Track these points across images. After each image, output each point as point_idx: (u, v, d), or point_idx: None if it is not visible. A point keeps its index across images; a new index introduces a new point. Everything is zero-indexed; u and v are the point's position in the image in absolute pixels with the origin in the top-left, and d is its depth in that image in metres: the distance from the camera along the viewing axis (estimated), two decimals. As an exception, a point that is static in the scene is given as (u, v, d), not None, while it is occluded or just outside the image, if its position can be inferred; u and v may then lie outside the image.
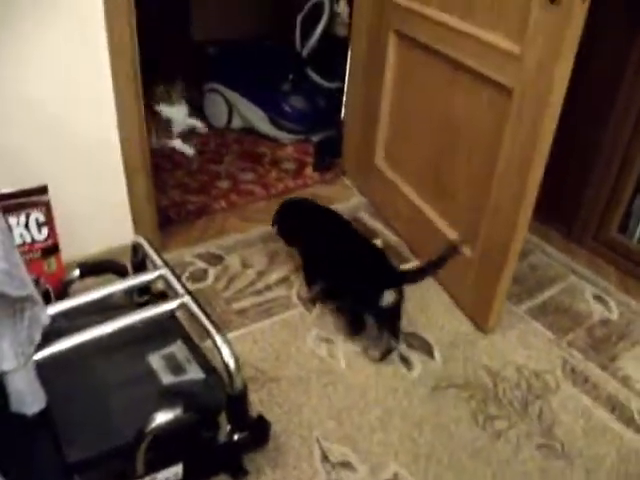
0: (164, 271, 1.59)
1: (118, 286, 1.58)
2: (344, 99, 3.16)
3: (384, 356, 2.02)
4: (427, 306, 2.30)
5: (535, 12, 1.69)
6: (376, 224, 2.78)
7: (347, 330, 2.14)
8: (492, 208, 2.02)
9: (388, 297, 1.89)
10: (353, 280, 1.99)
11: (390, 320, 1.99)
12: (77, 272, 1.76)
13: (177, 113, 3.45)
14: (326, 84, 3.57)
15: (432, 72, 2.28)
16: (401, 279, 1.97)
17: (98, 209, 2.27)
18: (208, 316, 1.43)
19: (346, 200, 2.98)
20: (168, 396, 1.39)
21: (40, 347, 1.24)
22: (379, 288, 1.89)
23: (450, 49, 2.12)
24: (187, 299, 1.47)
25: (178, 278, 1.56)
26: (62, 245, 2.05)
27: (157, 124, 3.36)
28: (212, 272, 2.40)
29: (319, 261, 2.21)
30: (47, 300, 1.75)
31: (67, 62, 1.97)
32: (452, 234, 2.30)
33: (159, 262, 1.62)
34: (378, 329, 2.02)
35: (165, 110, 3.40)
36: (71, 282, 1.77)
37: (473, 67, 2.00)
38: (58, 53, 1.95)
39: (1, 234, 1.04)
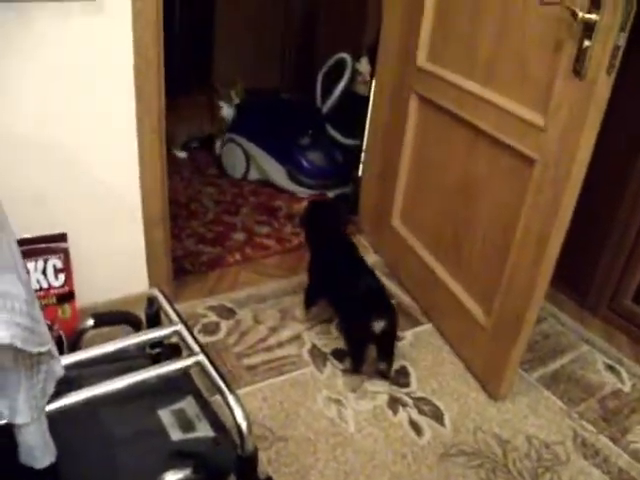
0: (179, 327, 1.58)
1: (132, 340, 1.57)
2: (362, 157, 3.19)
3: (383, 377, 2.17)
4: (439, 370, 2.28)
5: (559, 83, 1.71)
6: (390, 284, 2.77)
7: (349, 364, 2.23)
8: (508, 277, 2.02)
9: (378, 325, 2.05)
10: (347, 305, 2.20)
11: (383, 346, 2.15)
12: (91, 322, 1.75)
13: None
14: (345, 141, 3.62)
15: (452, 136, 2.31)
16: (390, 310, 2.12)
17: (114, 257, 2.27)
18: (222, 376, 1.42)
19: (360, 258, 2.96)
20: (178, 455, 1.38)
21: (51, 399, 1.23)
22: (369, 317, 2.05)
23: (471, 115, 2.15)
24: (202, 358, 1.47)
25: (193, 335, 1.56)
26: (76, 291, 2.06)
27: None
28: (224, 326, 2.40)
29: (322, 278, 2.40)
30: (59, 346, 1.76)
31: (94, 111, 2.00)
32: (466, 299, 2.30)
33: (174, 317, 1.62)
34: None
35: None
36: (85, 331, 1.77)
37: (494, 135, 2.02)
38: (85, 103, 1.98)
39: (24, 286, 1.05)
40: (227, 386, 1.40)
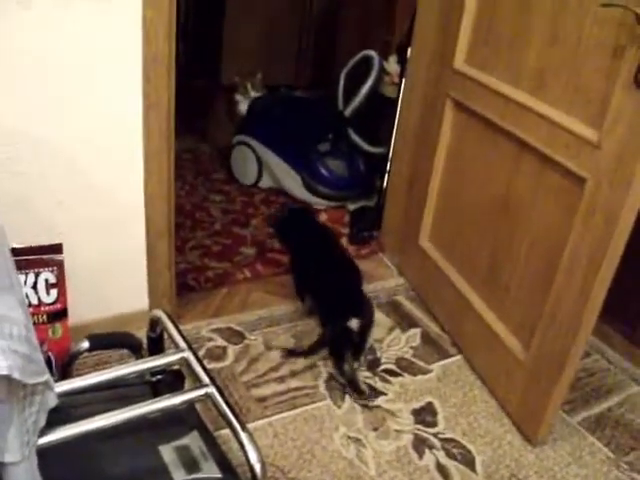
0: (186, 354, 1.56)
1: (134, 367, 1.55)
2: (387, 166, 3.18)
3: (351, 382, 2.30)
4: (469, 409, 2.26)
5: (618, 96, 1.69)
6: (415, 310, 2.76)
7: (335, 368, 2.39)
8: (551, 307, 2.00)
9: (354, 322, 2.28)
10: (326, 303, 2.47)
11: (357, 342, 2.36)
12: (86, 344, 1.73)
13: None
14: (368, 148, 3.61)
15: (492, 149, 2.29)
16: (364, 309, 2.39)
17: (112, 271, 2.27)
18: (234, 411, 1.40)
19: (383, 280, 2.98)
20: (181, 500, 1.36)
21: (43, 432, 1.21)
22: (345, 315, 2.29)
23: (515, 127, 2.13)
24: (212, 389, 1.44)
25: (202, 363, 1.54)
26: (69, 306, 2.05)
27: None
28: (231, 351, 2.39)
29: (304, 275, 2.64)
30: (49, 370, 1.73)
31: (95, 108, 2.01)
32: (502, 330, 2.27)
33: (181, 343, 1.60)
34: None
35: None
36: (78, 354, 1.75)
37: (541, 150, 2.00)
38: (85, 98, 1.98)
39: (22, 308, 1.03)
40: (240, 423, 1.38)
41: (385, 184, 3.22)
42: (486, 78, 2.28)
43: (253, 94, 3.86)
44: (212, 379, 1.50)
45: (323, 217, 3.46)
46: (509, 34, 2.16)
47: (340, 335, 2.33)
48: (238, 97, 3.86)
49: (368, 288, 2.79)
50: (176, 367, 1.77)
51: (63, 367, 1.75)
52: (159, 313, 1.75)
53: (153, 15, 1.92)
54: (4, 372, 0.89)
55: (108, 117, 2.03)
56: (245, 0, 4.77)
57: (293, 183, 3.60)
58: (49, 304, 1.99)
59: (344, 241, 3.22)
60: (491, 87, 2.24)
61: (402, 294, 2.88)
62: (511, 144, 2.17)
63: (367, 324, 2.38)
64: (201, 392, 1.46)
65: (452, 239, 2.62)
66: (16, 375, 0.91)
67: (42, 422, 1.22)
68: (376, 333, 2.57)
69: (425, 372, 2.40)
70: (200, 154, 4.16)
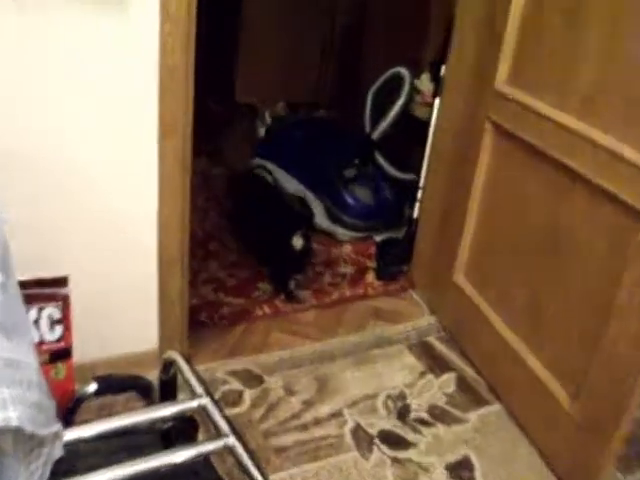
0: (204, 400, 1.54)
1: (146, 415, 1.52)
2: (419, 195, 3.17)
3: (290, 296, 2.96)
4: (509, 460, 2.24)
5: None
6: (449, 352, 2.74)
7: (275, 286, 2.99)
8: (604, 354, 1.97)
9: (298, 241, 2.90)
10: (271, 227, 3.07)
11: (299, 262, 3.03)
12: (93, 387, 1.71)
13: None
14: (398, 174, 3.60)
15: (537, 178, 2.27)
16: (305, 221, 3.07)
17: (121, 305, 2.27)
18: (259, 465, 1.37)
19: (413, 319, 2.96)
20: None
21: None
22: (290, 230, 2.91)
23: (563, 154, 2.11)
24: (232, 441, 1.42)
25: (222, 411, 1.52)
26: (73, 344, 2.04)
27: None
28: (248, 396, 2.38)
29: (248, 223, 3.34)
30: (54, 417, 1.72)
31: (106, 127, 2.02)
32: (546, 377, 2.24)
33: (198, 388, 1.57)
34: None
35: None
36: (84, 399, 1.74)
37: (592, 180, 1.98)
38: (94, 116, 1.99)
39: (33, 349, 1.02)
40: (264, 478, 1.36)
41: (416, 214, 3.20)
42: (531, 100, 2.26)
43: (268, 122, 3.87)
44: (233, 429, 1.48)
45: (347, 249, 3.47)
46: (557, 49, 2.15)
47: (284, 254, 2.95)
48: (258, 124, 3.87)
49: (397, 328, 2.83)
50: (189, 412, 1.76)
51: (67, 412, 1.73)
52: (174, 355, 1.73)
53: (171, 29, 1.92)
54: (14, 424, 0.88)
55: (120, 139, 2.04)
56: (264, 12, 4.79)
57: (315, 212, 3.56)
58: (52, 342, 1.96)
59: (370, 276, 3.22)
60: (537, 110, 2.22)
61: (434, 334, 2.85)
62: (558, 173, 2.14)
63: (307, 244, 2.96)
64: (220, 443, 1.44)
65: (490, 275, 2.60)
66: (27, 427, 0.90)
67: (47, 475, 1.20)
68: (406, 378, 2.56)
69: (461, 422, 2.38)
70: (212, 177, 4.15)
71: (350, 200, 3.53)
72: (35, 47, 1.82)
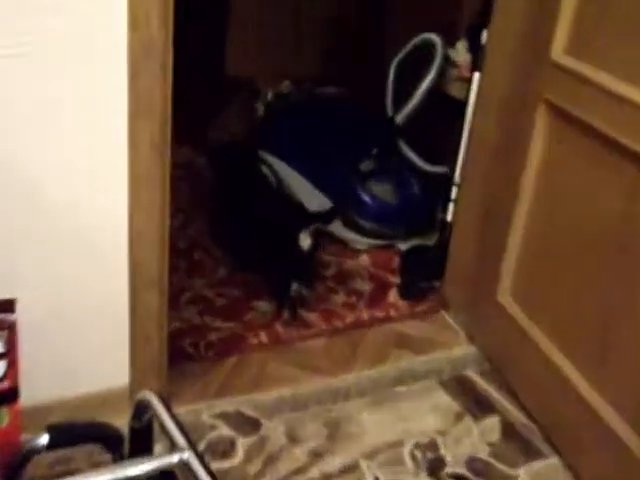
0: (187, 454, 1.52)
1: (114, 474, 1.50)
2: (453, 192, 3.16)
3: (293, 308, 2.96)
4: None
5: None
6: (492, 390, 2.72)
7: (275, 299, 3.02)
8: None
9: (305, 240, 2.90)
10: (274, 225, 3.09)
11: (308, 265, 3.05)
12: (45, 439, 1.68)
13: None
14: (427, 167, 3.60)
15: (604, 169, 2.25)
16: (313, 218, 3.10)
17: (82, 335, 2.25)
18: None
19: (446, 347, 2.95)
20: None
21: None
22: (296, 227, 2.94)
23: (636, 140, 2.08)
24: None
25: (208, 467, 1.50)
26: (20, 383, 2.01)
27: None
28: (242, 445, 2.36)
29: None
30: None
31: (60, 107, 1.99)
32: (615, 421, 2.21)
33: (180, 439, 1.55)
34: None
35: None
36: (34, 453, 1.71)
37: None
38: (54, 107, 1.97)
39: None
40: None
41: (450, 216, 3.19)
42: (598, 74, 2.23)
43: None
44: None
45: (365, 260, 3.47)
46: (631, 13, 2.11)
47: (290, 255, 2.93)
48: (258, 105, 3.86)
49: (426, 359, 2.83)
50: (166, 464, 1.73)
51: (11, 470, 1.71)
52: (148, 395, 1.71)
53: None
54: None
55: (80, 128, 2.02)
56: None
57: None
58: None
59: (393, 294, 3.21)
60: (606, 87, 2.19)
61: (473, 367, 2.84)
62: (630, 163, 2.12)
63: (315, 244, 2.97)
64: (208, 510, 1.42)
65: (543, 293, 2.57)
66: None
67: None
68: (438, 422, 2.55)
69: (508, 479, 2.35)
70: (198, 171, 4.13)
71: (368, 199, 3.52)
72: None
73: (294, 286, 2.94)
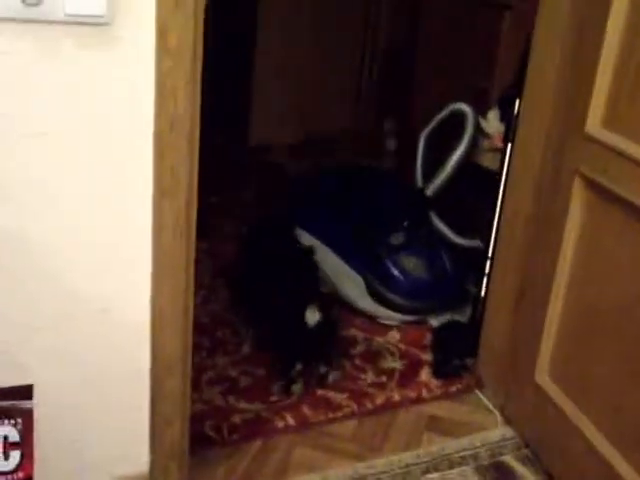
0: None
1: None
2: (487, 267, 3.14)
3: (318, 384, 2.91)
4: None
5: None
6: (531, 476, 2.65)
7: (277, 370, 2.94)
8: None
9: (312, 315, 2.76)
10: (276, 296, 2.99)
11: (319, 343, 2.89)
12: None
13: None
14: (459, 240, 3.58)
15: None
16: (321, 296, 2.93)
17: (100, 422, 2.21)
18: None
19: (482, 430, 2.89)
20: None
21: None
22: (299, 303, 2.81)
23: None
24: None
25: None
26: (35, 474, 2.00)
27: None
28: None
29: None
30: None
31: (89, 198, 1.98)
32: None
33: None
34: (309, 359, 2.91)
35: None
36: None
37: None
38: (77, 184, 1.95)
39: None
40: None
41: (484, 291, 3.16)
42: (635, 148, 2.21)
43: None
44: None
45: (395, 337, 3.43)
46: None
47: (291, 331, 2.83)
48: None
49: (461, 443, 2.75)
50: None
51: None
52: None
53: (171, 66, 1.89)
54: None
55: (105, 206, 2.00)
56: (284, 31, 4.84)
57: (353, 288, 3.56)
58: (6, 473, 1.92)
59: (425, 373, 3.16)
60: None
61: (511, 452, 2.78)
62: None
63: (329, 318, 2.84)
64: None
65: (585, 373, 2.51)
66: None
67: None
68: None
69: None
70: (221, 239, 4.12)
71: (397, 273, 3.50)
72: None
73: (297, 366, 2.87)
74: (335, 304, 3.02)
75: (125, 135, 1.94)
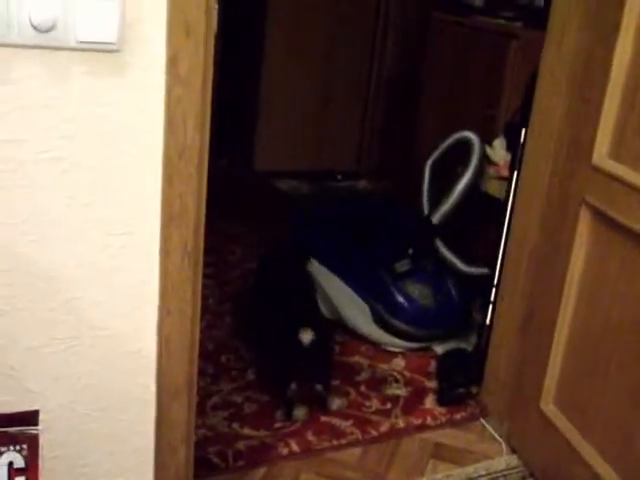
0: None
1: None
2: (492, 294, 3.13)
3: (321, 409, 2.94)
4: None
5: None
6: None
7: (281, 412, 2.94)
8: None
9: (306, 335, 2.78)
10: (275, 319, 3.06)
11: (314, 362, 2.89)
12: None
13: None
14: (464, 268, 3.57)
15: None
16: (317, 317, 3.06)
17: (104, 448, 2.19)
18: None
19: (486, 458, 2.88)
20: None
21: None
22: (294, 323, 2.85)
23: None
24: None
25: None
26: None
27: None
28: None
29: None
30: None
31: (96, 224, 1.97)
32: None
33: None
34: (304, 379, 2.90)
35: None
36: None
37: None
38: (85, 210, 1.94)
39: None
40: None
41: (489, 319, 3.16)
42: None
43: None
44: None
45: (399, 364, 3.43)
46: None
47: (286, 351, 2.88)
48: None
49: (466, 472, 2.74)
50: None
51: None
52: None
53: (181, 94, 1.89)
54: None
55: (112, 232, 1.99)
56: (290, 59, 4.86)
57: (358, 315, 3.56)
58: None
59: (430, 400, 3.16)
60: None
61: (517, 481, 2.76)
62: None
63: (324, 338, 2.87)
64: None
65: (592, 402, 2.51)
66: None
67: None
68: None
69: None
70: (227, 264, 4.13)
71: (403, 300, 3.50)
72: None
73: (292, 386, 2.88)
74: (331, 324, 3.12)
75: (134, 161, 1.94)
